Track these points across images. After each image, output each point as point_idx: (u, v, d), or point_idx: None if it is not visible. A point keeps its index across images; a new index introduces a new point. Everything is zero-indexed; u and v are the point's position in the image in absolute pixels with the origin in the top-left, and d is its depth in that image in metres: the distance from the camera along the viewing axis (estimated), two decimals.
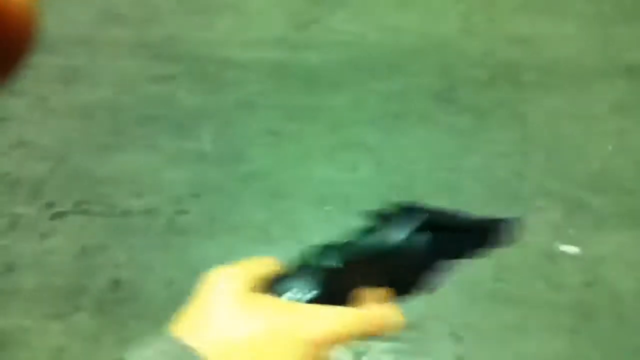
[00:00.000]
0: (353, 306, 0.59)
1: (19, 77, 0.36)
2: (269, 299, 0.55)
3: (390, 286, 0.62)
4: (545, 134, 2.39)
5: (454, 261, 0.66)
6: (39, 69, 2.56)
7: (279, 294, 0.57)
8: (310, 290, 0.58)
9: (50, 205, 2.20)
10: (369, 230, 0.63)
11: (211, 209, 2.17)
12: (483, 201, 2.15)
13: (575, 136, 2.37)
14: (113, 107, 2.52)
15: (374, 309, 0.59)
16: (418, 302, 0.68)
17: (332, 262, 0.60)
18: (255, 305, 0.53)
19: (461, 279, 1.85)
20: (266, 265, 0.60)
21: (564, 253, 1.98)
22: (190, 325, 0.53)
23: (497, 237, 0.68)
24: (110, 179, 2.28)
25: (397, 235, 0.62)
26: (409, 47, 2.83)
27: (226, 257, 0.71)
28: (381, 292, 0.61)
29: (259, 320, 0.52)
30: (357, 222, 0.65)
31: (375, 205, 0.66)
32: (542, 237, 2.03)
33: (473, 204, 2.14)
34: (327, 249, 0.62)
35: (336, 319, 0.55)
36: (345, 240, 0.62)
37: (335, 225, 2.07)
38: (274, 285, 0.58)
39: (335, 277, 0.59)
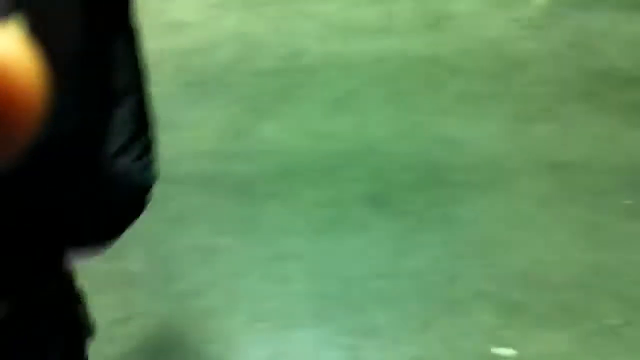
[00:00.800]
0: None
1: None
2: None
3: None
4: (476, 234, 2.42)
5: None
6: None
7: None
8: None
9: None
10: None
11: (141, 333, 2.10)
12: (419, 308, 2.14)
13: (504, 235, 2.40)
14: None
15: None
16: None
17: None
18: None
19: None
20: None
21: (498, 356, 1.96)
22: None
23: None
24: None
25: None
26: (341, 152, 2.88)
27: None
28: None
29: None
30: None
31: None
32: (476, 341, 2.01)
33: (409, 311, 2.12)
34: None
35: None
36: None
37: (270, 343, 2.02)
38: None
39: None
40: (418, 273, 2.26)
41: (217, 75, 3.44)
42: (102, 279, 2.25)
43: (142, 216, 0.65)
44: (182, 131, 3.01)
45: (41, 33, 0.43)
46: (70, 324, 0.79)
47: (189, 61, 3.56)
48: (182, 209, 2.53)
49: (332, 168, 2.76)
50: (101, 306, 2.16)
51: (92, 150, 0.60)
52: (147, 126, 0.68)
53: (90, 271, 2.26)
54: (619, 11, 4.58)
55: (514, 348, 1.99)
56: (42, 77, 0.34)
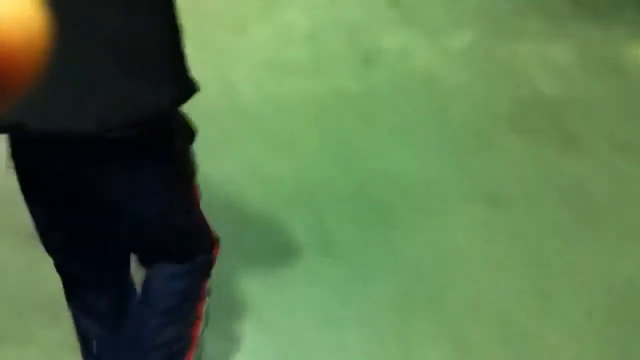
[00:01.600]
0: None
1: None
2: None
3: None
4: (421, 271, 2.41)
5: None
6: None
7: None
8: None
9: None
10: None
11: None
12: (370, 351, 2.10)
13: (449, 270, 2.40)
14: None
15: None
16: None
17: None
18: None
19: None
20: None
21: None
22: None
23: None
24: None
25: None
26: (282, 194, 2.84)
27: None
28: None
29: None
30: None
31: None
32: None
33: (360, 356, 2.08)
34: None
35: None
36: None
37: None
38: None
39: None
40: (364, 321, 2.23)
41: None
42: (50, 347, 2.14)
43: None
44: None
45: None
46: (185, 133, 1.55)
47: None
48: None
49: (273, 211, 2.72)
50: None
51: None
52: None
53: (36, 338, 2.15)
54: (548, 39, 4.73)
55: None
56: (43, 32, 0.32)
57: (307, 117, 3.46)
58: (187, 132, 1.63)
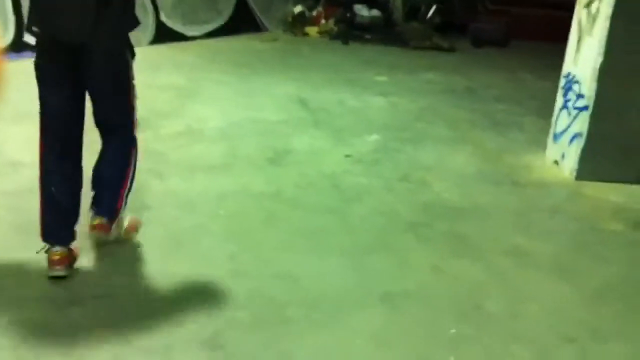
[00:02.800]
0: None
1: None
2: None
3: None
4: None
5: None
6: None
7: None
8: None
9: None
10: None
11: None
12: None
13: None
14: None
15: None
16: None
17: None
18: None
19: None
20: None
21: None
22: None
23: None
24: None
25: None
26: (175, 294, 2.80)
27: None
28: None
29: None
30: None
31: None
32: None
33: None
34: None
35: None
36: None
37: None
38: None
39: None
40: None
41: None
42: None
43: None
44: (7, 278, 2.82)
45: None
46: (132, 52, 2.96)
47: (21, 203, 3.39)
48: None
49: (164, 311, 2.66)
50: None
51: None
52: None
53: None
54: (446, 145, 5.00)
55: None
56: None
57: (212, 216, 3.47)
58: (132, 52, 2.99)
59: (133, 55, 2.99)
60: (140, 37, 7.63)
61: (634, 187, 4.30)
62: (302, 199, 3.79)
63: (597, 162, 4.34)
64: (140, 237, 3.18)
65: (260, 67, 6.70)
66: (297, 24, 9.91)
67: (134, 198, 3.20)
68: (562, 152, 4.56)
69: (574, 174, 4.38)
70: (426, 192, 4.04)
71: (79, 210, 2.97)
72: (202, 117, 5.27)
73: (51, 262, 2.84)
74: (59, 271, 2.83)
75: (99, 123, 3.03)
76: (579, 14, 4.49)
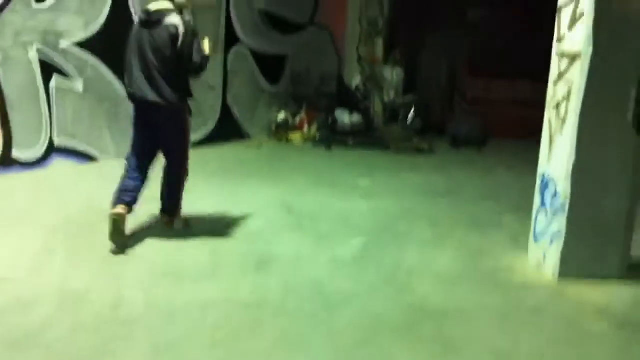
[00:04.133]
0: None
1: None
2: None
3: None
4: None
5: None
6: None
7: None
8: None
9: None
10: None
11: None
12: None
13: None
14: None
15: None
16: None
17: None
18: None
19: None
20: None
21: None
22: None
23: None
24: None
25: None
26: None
27: None
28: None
29: None
30: None
31: None
32: None
33: None
34: None
35: None
36: None
37: None
38: None
39: None
40: None
41: (32, 333, 3.27)
42: None
43: None
44: None
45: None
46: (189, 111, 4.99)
47: (2, 319, 3.38)
48: None
49: None
50: None
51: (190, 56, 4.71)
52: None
53: None
54: (428, 246, 5.06)
55: None
56: None
57: (196, 325, 3.45)
58: (190, 111, 4.91)
59: (190, 112, 4.93)
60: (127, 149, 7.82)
61: (617, 284, 4.35)
62: (287, 306, 3.79)
63: (578, 260, 4.39)
64: (122, 351, 3.16)
65: (245, 174, 6.84)
66: (280, 131, 10.18)
67: (114, 311, 3.17)
68: (543, 252, 4.61)
69: (556, 273, 4.42)
70: (410, 295, 4.06)
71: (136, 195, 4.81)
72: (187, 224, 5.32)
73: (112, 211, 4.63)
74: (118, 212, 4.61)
75: (164, 154, 4.99)
76: (549, 114, 4.68)
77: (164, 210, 5.14)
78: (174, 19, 4.68)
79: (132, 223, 4.88)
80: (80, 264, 4.29)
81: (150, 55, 4.64)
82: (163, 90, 4.63)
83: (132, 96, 4.77)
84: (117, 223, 4.52)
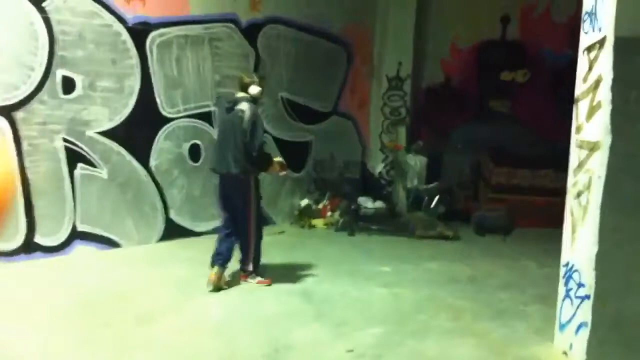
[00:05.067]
0: None
1: None
2: None
3: None
4: None
5: None
6: None
7: None
8: None
9: None
10: None
11: None
12: None
13: None
14: None
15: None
16: None
17: None
18: None
19: None
20: None
21: None
22: None
23: None
24: None
25: None
26: None
27: None
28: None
29: None
30: None
31: None
32: None
33: None
34: None
35: None
36: None
37: None
38: None
39: None
40: None
41: None
42: None
43: None
44: None
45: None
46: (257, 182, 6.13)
47: None
48: None
49: None
50: None
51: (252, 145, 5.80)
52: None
53: None
54: (449, 337, 4.91)
55: None
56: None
57: None
58: (259, 182, 6.07)
59: (257, 184, 5.99)
60: (150, 235, 7.84)
61: None
62: None
63: (605, 351, 4.23)
64: None
65: (264, 260, 6.76)
66: (303, 217, 10.16)
67: None
68: (569, 342, 4.45)
69: None
70: None
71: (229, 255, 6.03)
72: (203, 309, 5.26)
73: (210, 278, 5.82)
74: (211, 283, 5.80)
75: (232, 217, 6.05)
76: (570, 204, 4.62)
77: (241, 267, 6.22)
78: (243, 106, 5.83)
79: None
80: (93, 352, 4.23)
81: (226, 135, 5.85)
82: (230, 164, 5.80)
83: (212, 169, 6.17)
84: (214, 286, 5.80)
